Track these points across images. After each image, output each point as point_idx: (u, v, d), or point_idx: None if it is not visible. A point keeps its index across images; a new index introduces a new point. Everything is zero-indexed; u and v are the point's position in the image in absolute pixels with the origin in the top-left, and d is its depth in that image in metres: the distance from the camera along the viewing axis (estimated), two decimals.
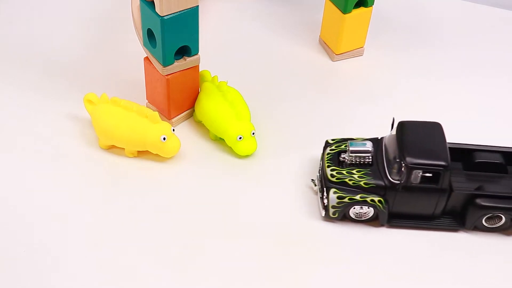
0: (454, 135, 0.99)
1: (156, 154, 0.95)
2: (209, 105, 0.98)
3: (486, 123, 1.07)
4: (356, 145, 0.89)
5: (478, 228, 0.89)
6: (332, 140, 0.93)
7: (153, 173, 0.95)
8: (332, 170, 0.88)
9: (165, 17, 0.89)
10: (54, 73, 1.11)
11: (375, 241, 0.88)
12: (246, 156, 0.98)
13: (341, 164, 0.90)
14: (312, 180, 0.93)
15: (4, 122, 1.01)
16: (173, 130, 0.95)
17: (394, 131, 0.88)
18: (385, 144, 0.89)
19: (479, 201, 0.86)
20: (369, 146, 0.88)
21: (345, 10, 1.10)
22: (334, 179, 0.88)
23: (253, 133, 0.97)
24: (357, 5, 1.11)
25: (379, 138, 0.92)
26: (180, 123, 1.04)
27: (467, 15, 1.31)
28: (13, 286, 0.80)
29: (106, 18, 1.24)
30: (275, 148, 0.98)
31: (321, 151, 0.93)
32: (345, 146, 0.90)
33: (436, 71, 1.17)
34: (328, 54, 1.19)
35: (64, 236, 0.86)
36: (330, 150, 0.91)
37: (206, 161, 0.98)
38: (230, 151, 0.98)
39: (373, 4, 1.11)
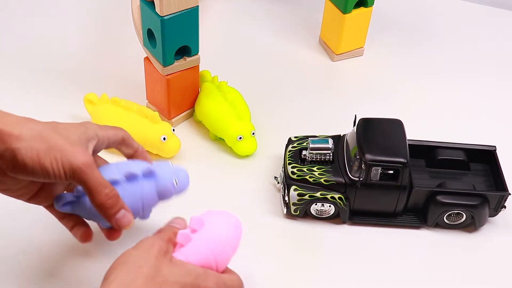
0: (453, 134, 0.99)
1: (156, 154, 0.95)
2: (209, 105, 0.98)
3: (485, 123, 1.07)
4: (317, 142, 0.89)
5: (439, 225, 0.89)
6: (295, 137, 0.93)
7: None
8: (293, 167, 0.88)
9: (165, 17, 0.89)
10: (54, 73, 1.11)
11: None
12: (246, 156, 0.98)
13: (302, 161, 0.90)
14: (275, 177, 0.93)
15: None
16: (173, 130, 0.95)
17: (355, 128, 0.88)
18: (346, 141, 0.89)
19: (439, 198, 0.87)
20: (329, 143, 0.88)
21: (345, 10, 1.10)
22: (294, 176, 0.88)
23: (253, 133, 0.97)
24: (357, 5, 1.11)
25: (342, 135, 0.92)
26: (180, 123, 1.04)
27: (467, 15, 1.31)
28: (13, 285, 0.80)
29: (106, 18, 1.24)
30: (275, 148, 0.98)
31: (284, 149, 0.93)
32: (307, 143, 0.90)
33: (436, 71, 1.17)
34: (328, 54, 1.19)
35: (64, 236, 0.86)
36: (292, 147, 0.91)
37: (206, 161, 0.98)
38: (230, 151, 0.98)
39: (373, 4, 1.11)
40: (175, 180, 0.77)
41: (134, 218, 0.76)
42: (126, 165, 0.75)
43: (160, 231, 0.71)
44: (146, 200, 0.75)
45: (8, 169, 0.65)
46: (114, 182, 0.72)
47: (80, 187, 0.72)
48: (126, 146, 0.76)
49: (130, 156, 0.78)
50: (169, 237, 0.69)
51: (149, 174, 0.74)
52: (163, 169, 0.76)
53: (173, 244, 0.69)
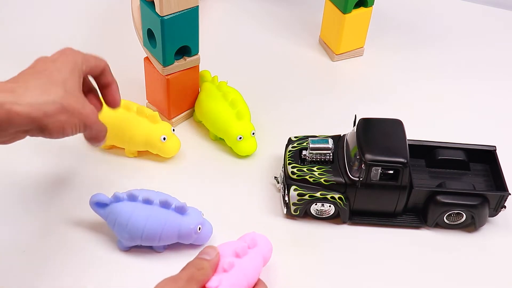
0: (453, 134, 0.99)
1: (156, 154, 0.96)
2: (209, 105, 0.98)
3: (485, 123, 1.07)
4: (317, 142, 0.89)
5: (439, 225, 0.89)
6: (295, 137, 0.93)
7: (153, 173, 0.95)
8: (293, 167, 0.88)
9: (165, 17, 0.89)
10: None
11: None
12: (246, 156, 0.98)
13: (302, 161, 0.90)
14: (275, 177, 0.93)
15: None
16: (173, 130, 0.95)
17: (355, 128, 0.88)
18: (346, 141, 0.89)
19: (439, 198, 0.87)
20: (329, 143, 0.88)
21: (345, 10, 1.10)
22: (294, 176, 0.88)
23: (253, 133, 0.97)
24: (357, 5, 1.11)
25: (342, 135, 0.92)
26: (180, 123, 1.04)
27: (467, 15, 1.31)
28: (13, 285, 0.80)
29: (106, 18, 1.24)
30: (275, 148, 0.98)
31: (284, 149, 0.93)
32: (307, 143, 0.90)
33: (436, 71, 1.17)
34: (328, 54, 1.19)
35: (64, 235, 0.86)
36: (292, 147, 0.91)
37: (206, 161, 0.98)
38: (230, 151, 0.98)
39: (373, 4, 1.11)
40: (199, 228, 0.82)
41: (151, 245, 0.83)
42: (164, 194, 0.83)
43: (185, 267, 0.71)
44: (166, 230, 0.81)
45: (34, 136, 0.72)
46: (147, 202, 0.81)
47: (118, 194, 0.82)
48: (104, 76, 0.81)
49: (103, 87, 0.82)
50: (190, 274, 0.69)
51: (180, 209, 0.81)
52: (193, 213, 0.82)
53: (197, 279, 0.69)
